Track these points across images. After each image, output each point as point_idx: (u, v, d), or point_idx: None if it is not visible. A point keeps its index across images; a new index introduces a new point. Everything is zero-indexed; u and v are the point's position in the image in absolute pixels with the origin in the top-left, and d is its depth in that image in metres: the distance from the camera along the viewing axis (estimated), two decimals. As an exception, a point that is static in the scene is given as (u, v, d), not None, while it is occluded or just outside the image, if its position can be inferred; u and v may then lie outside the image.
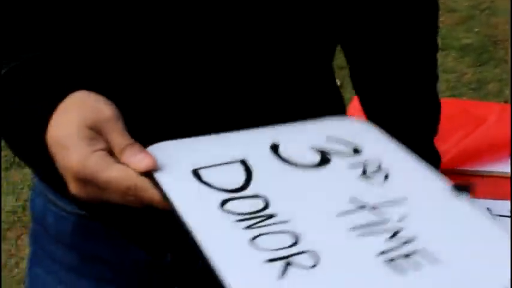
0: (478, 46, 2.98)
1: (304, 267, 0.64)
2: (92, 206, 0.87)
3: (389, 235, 0.68)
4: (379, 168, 0.76)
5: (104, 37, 0.78)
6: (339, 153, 0.77)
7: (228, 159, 0.74)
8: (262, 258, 0.65)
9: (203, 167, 0.73)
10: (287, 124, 0.80)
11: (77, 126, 0.70)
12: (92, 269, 0.95)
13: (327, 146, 0.78)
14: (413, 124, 1.01)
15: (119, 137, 0.70)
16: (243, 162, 0.74)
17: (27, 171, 2.41)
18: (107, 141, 0.70)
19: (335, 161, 0.76)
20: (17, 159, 2.43)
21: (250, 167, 0.74)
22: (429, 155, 1.01)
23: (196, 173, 0.72)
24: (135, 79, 0.80)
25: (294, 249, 0.66)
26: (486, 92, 2.72)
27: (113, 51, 0.79)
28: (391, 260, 0.65)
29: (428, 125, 1.03)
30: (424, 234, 0.68)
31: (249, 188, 0.71)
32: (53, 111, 0.72)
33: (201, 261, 0.92)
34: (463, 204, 0.72)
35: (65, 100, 0.72)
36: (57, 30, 0.79)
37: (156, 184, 0.70)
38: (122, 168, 0.69)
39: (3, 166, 2.43)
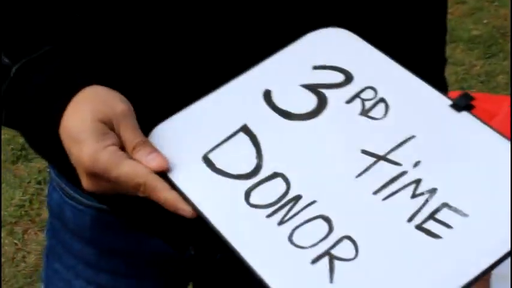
0: (487, 38, 2.95)
1: (347, 260, 0.64)
2: (115, 201, 0.87)
3: (411, 192, 0.67)
4: (376, 97, 0.74)
5: (111, 28, 0.78)
6: (332, 87, 0.75)
7: (231, 130, 0.73)
8: (307, 259, 0.65)
9: (211, 150, 0.72)
10: (269, 59, 0.77)
11: (90, 121, 0.70)
12: (110, 263, 0.96)
13: (317, 81, 0.75)
14: None
15: (130, 133, 0.70)
16: (246, 130, 0.73)
17: (34, 164, 2.40)
18: (118, 136, 0.70)
19: (331, 99, 0.74)
20: (23, 153, 2.43)
21: (254, 135, 0.72)
22: None
23: (207, 160, 0.71)
24: (144, 74, 0.80)
25: (331, 238, 0.66)
26: (495, 84, 2.69)
27: (120, 44, 0.79)
28: (422, 224, 0.65)
29: None
30: (443, 181, 0.67)
31: (264, 167, 0.70)
32: (66, 105, 0.72)
33: (219, 254, 0.92)
34: (466, 122, 0.71)
35: (77, 94, 0.72)
36: (65, 25, 0.79)
37: (170, 183, 0.69)
38: (133, 164, 0.69)
39: (10, 160, 2.42)
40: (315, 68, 0.76)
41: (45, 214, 2.25)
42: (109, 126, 0.70)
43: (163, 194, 0.68)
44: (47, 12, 0.78)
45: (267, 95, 0.75)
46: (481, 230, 0.64)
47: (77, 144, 0.70)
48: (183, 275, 1.00)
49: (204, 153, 0.72)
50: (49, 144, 0.77)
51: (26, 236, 2.20)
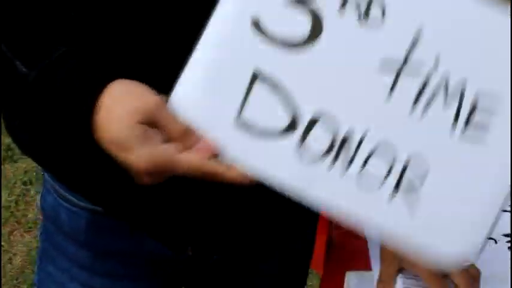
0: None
1: (417, 189, 0.68)
2: (111, 203, 0.88)
3: (443, 98, 0.69)
4: None
5: (109, 23, 0.77)
6: None
7: (245, 81, 0.70)
8: (382, 200, 0.68)
9: (240, 112, 0.70)
10: None
11: (130, 126, 0.69)
12: (105, 265, 0.96)
13: None
14: None
15: (171, 123, 0.70)
16: (260, 77, 0.70)
17: (20, 165, 2.38)
18: (161, 129, 0.70)
19: (323, 13, 0.70)
20: (9, 153, 2.41)
21: (272, 81, 0.70)
22: None
23: (243, 125, 0.70)
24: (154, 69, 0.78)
25: (394, 173, 0.69)
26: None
27: (119, 37, 0.78)
28: (464, 132, 0.69)
29: None
30: (467, 72, 0.69)
31: (300, 114, 0.69)
32: (95, 104, 0.71)
33: (215, 256, 0.92)
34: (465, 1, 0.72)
35: (104, 94, 0.71)
36: (70, 25, 0.78)
37: (225, 160, 0.69)
38: (189, 158, 0.69)
39: (-5, 160, 2.41)
40: None
41: (31, 215, 2.23)
42: (149, 123, 0.70)
43: (227, 175, 0.69)
44: (51, 13, 0.77)
45: (257, 25, 0.71)
46: None
47: (128, 153, 0.70)
48: (178, 276, 0.99)
49: (234, 118, 0.70)
50: (57, 150, 0.76)
51: (12, 238, 2.18)
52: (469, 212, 0.69)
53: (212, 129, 0.70)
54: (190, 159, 0.69)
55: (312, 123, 0.69)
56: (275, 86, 0.70)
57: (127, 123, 0.69)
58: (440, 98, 0.69)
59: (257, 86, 0.70)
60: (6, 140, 2.35)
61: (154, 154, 0.69)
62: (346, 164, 0.69)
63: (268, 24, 0.70)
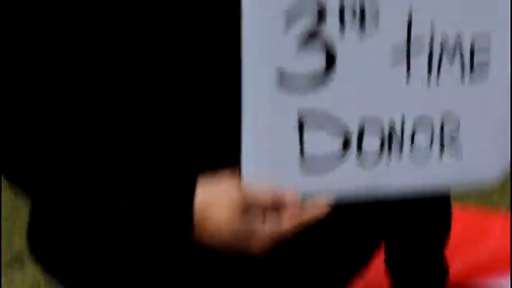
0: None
1: (456, 134, 0.80)
2: None
3: (448, 57, 0.78)
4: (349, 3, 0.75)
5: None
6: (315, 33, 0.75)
7: (295, 131, 0.77)
8: (436, 159, 0.81)
9: (302, 157, 0.77)
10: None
11: (235, 227, 0.77)
12: None
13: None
14: (424, 231, 1.02)
15: (260, 200, 0.77)
16: (305, 120, 0.76)
17: (29, 272, 2.37)
18: (257, 208, 0.77)
19: (331, 44, 0.75)
20: (18, 260, 2.40)
21: (313, 116, 0.76)
22: (438, 265, 1.03)
23: (309, 166, 0.78)
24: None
25: (436, 131, 0.80)
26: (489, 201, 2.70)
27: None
28: (471, 75, 0.79)
29: (440, 232, 1.04)
30: (458, 22, 0.78)
31: (349, 132, 0.77)
32: (193, 220, 0.78)
33: None
34: None
35: (196, 208, 0.78)
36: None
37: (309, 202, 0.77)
38: (290, 219, 0.77)
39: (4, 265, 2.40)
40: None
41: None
42: (245, 212, 0.77)
43: (316, 213, 0.78)
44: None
45: (282, 77, 0.75)
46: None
47: (243, 244, 0.78)
48: None
49: (299, 166, 0.77)
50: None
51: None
52: (495, 133, 0.83)
53: (288, 184, 0.77)
54: (290, 222, 0.77)
55: (361, 133, 0.77)
56: (319, 118, 0.76)
57: (231, 227, 0.77)
58: (445, 58, 0.77)
59: (306, 127, 0.77)
60: (15, 246, 2.35)
61: (265, 235, 0.77)
62: (398, 150, 0.77)
63: (289, 71, 0.75)
